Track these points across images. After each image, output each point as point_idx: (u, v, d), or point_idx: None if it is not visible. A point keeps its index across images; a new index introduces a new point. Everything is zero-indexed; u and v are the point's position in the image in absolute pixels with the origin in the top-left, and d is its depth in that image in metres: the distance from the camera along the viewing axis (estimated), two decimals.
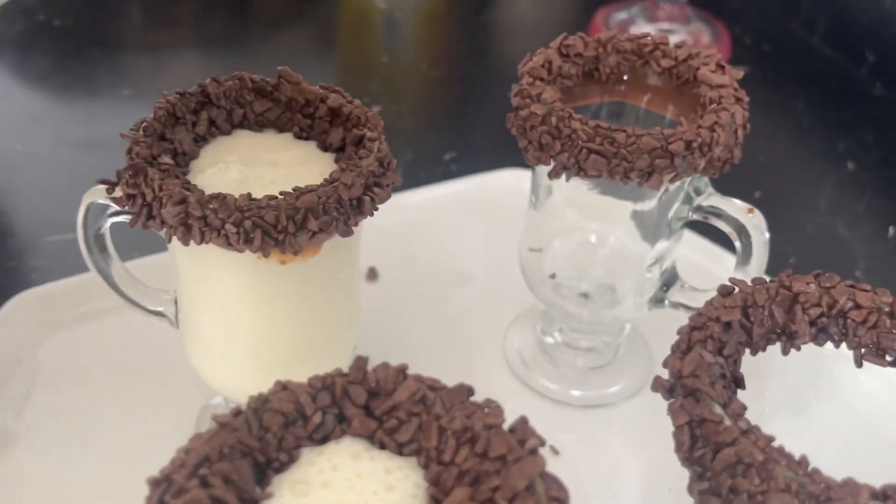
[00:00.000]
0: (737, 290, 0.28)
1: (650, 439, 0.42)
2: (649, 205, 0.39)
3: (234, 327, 0.34)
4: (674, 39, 0.37)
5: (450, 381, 0.46)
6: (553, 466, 0.42)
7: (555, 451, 0.43)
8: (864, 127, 0.72)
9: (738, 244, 0.38)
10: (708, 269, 0.49)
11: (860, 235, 0.61)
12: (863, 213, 0.63)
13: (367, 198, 0.32)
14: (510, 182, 0.57)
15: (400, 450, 0.23)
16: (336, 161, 0.35)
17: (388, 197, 0.33)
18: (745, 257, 0.38)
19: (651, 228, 0.40)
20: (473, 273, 0.53)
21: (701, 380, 0.24)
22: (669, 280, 0.42)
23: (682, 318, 0.43)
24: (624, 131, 0.35)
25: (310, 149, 0.36)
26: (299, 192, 0.30)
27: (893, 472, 0.30)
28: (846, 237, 0.61)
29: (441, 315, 0.50)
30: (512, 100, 0.39)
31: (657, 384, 0.26)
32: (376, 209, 0.33)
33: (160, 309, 0.38)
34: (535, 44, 0.42)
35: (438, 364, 0.47)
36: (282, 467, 0.22)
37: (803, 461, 0.23)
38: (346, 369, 0.24)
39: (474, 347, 0.48)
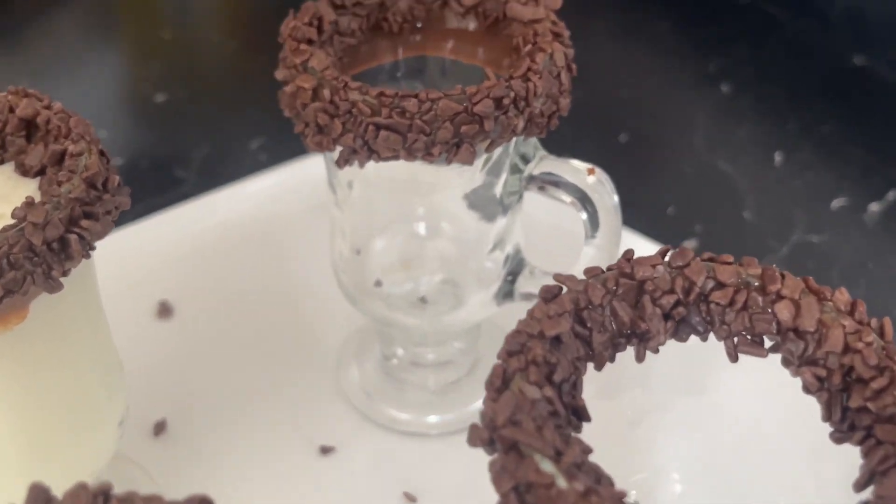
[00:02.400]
0: (564, 290, 0.24)
1: None
2: (473, 181, 0.35)
3: None
4: None
5: (270, 440, 0.41)
6: None
7: (411, 499, 0.38)
8: (735, 41, 0.69)
9: (583, 215, 0.34)
10: (568, 239, 0.45)
11: (744, 169, 0.58)
12: (744, 142, 0.61)
13: (72, 236, 0.26)
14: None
15: None
16: (40, 189, 0.29)
17: (106, 231, 0.27)
18: (592, 228, 0.34)
19: (484, 207, 0.36)
20: (293, 291, 0.47)
21: (522, 427, 0.20)
22: (516, 267, 0.38)
23: None
24: (415, 97, 0.30)
25: (5, 175, 0.29)
26: None
27: (789, 485, 0.27)
28: (729, 173, 0.58)
29: (256, 349, 0.44)
30: (276, 73, 0.33)
31: (474, 436, 0.22)
32: (92, 248, 0.27)
33: None
34: None
35: (258, 411, 0.41)
36: None
37: None
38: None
39: (302, 383, 0.43)
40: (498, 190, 0.35)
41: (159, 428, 0.40)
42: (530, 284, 0.38)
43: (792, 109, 0.63)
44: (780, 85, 0.65)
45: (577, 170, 0.34)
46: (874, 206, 0.55)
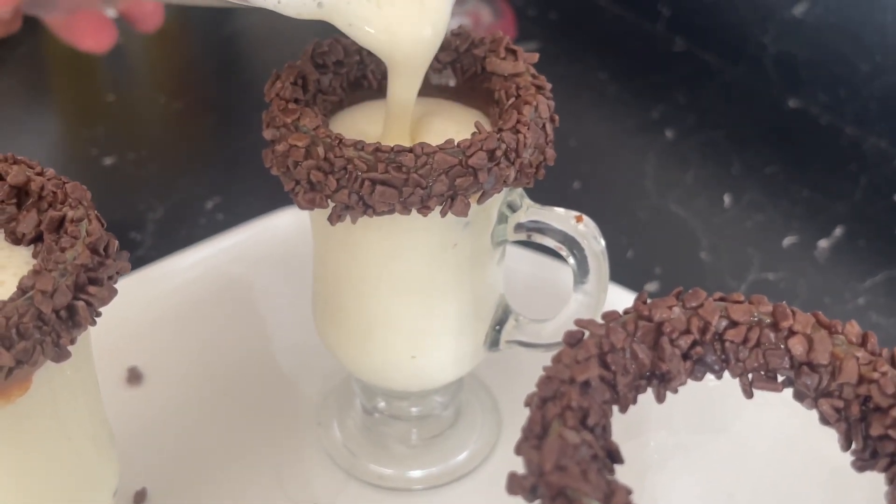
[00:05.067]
0: (587, 334, 0.24)
1: None
2: (459, 235, 0.35)
3: None
4: (451, 25, 0.33)
5: (260, 493, 0.40)
6: None
7: None
8: (674, 88, 0.72)
9: (571, 260, 0.35)
10: (543, 288, 0.45)
11: (696, 211, 0.60)
12: (693, 185, 0.63)
13: (80, 303, 0.26)
14: (293, 224, 0.51)
15: None
16: (35, 257, 0.28)
17: (111, 296, 0.27)
18: (581, 274, 0.35)
19: None
20: (266, 349, 0.47)
21: (569, 472, 0.20)
22: (501, 316, 0.38)
23: (522, 355, 0.40)
24: (411, 151, 0.31)
25: None
26: None
27: None
28: (681, 215, 0.60)
29: (232, 412, 0.43)
30: (264, 132, 0.34)
31: (513, 484, 0.22)
32: (98, 315, 0.27)
33: None
34: (294, 51, 0.37)
35: (240, 474, 0.41)
36: None
37: None
38: None
39: (283, 445, 0.42)
40: (485, 242, 0.36)
41: (139, 497, 0.39)
42: (517, 333, 0.38)
43: (735, 152, 0.65)
44: (721, 129, 0.68)
45: (564, 217, 0.35)
46: (823, 243, 0.58)
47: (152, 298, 0.48)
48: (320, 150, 0.31)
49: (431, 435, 0.42)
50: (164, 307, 0.48)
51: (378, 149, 0.31)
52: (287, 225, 0.52)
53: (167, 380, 0.45)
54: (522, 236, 0.36)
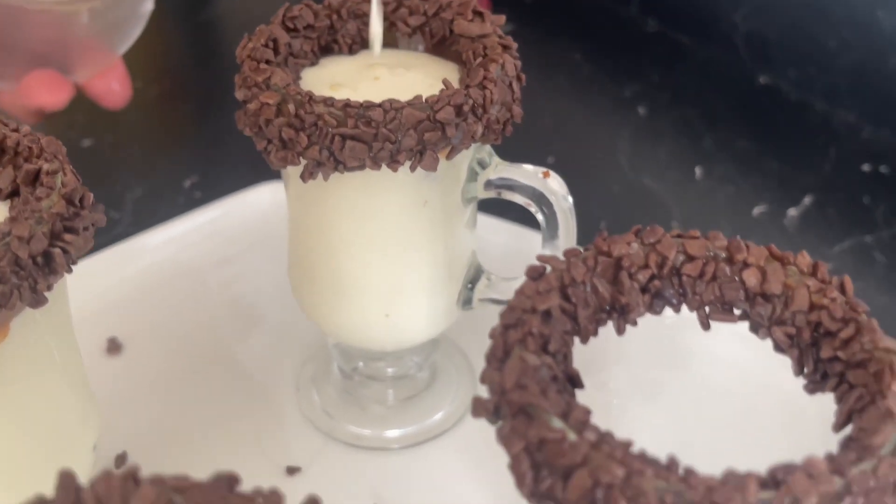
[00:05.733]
0: (549, 269, 0.25)
1: (493, 466, 0.39)
2: (430, 192, 0.36)
3: None
4: None
5: (235, 464, 0.41)
6: None
7: None
8: (647, 68, 0.73)
9: (540, 217, 0.36)
10: (514, 252, 0.46)
11: (668, 184, 0.61)
12: (665, 159, 0.64)
13: (56, 251, 0.26)
14: (268, 199, 0.52)
15: None
16: (12, 210, 0.29)
17: (86, 246, 0.28)
18: (551, 230, 0.36)
19: None
20: (243, 319, 0.48)
21: (529, 390, 0.21)
22: (473, 275, 0.39)
23: (497, 317, 0.41)
24: (380, 106, 0.32)
25: None
26: None
27: (770, 443, 0.29)
28: (654, 189, 0.61)
29: (211, 381, 0.44)
30: (236, 93, 0.34)
31: (478, 407, 0.23)
32: (74, 263, 0.27)
33: None
34: None
35: (220, 439, 0.42)
36: None
37: (672, 464, 0.20)
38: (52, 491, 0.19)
39: (262, 411, 0.43)
40: (457, 198, 0.36)
41: (120, 461, 0.40)
42: (489, 291, 0.39)
43: (706, 128, 0.66)
44: (693, 106, 0.69)
45: (532, 173, 0.36)
46: (792, 212, 0.59)
47: (132, 272, 0.49)
48: (291, 108, 0.32)
49: (408, 395, 0.43)
50: (144, 280, 0.49)
51: (348, 104, 0.32)
52: (263, 200, 0.52)
53: (147, 350, 0.46)
54: (492, 194, 0.37)
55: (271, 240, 0.50)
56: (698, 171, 0.62)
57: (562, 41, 0.77)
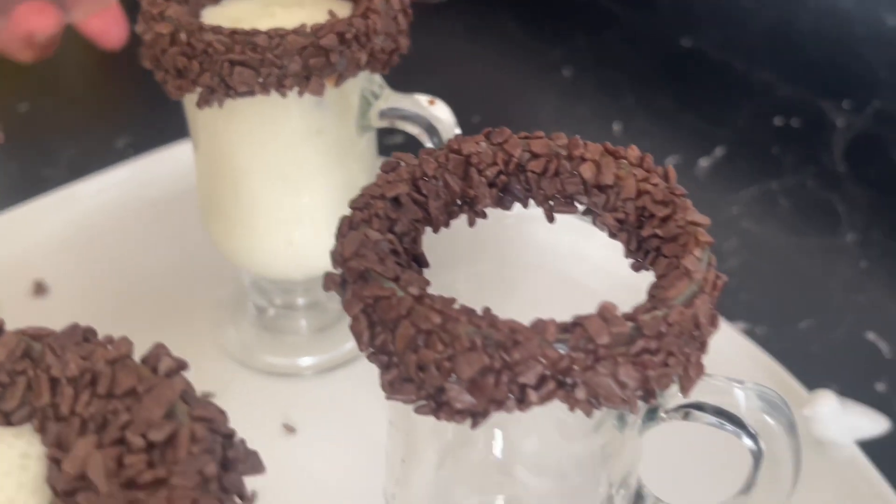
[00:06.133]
0: (402, 164, 0.27)
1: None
2: (322, 121, 0.38)
3: None
4: None
5: None
6: (290, 445, 0.41)
7: (290, 430, 0.41)
8: (575, 32, 0.76)
9: (429, 146, 0.38)
10: None
11: (586, 137, 0.63)
12: (585, 116, 0.66)
13: None
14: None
15: (9, 420, 0.21)
16: None
17: None
18: None
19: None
20: (165, 262, 0.50)
21: (367, 258, 0.24)
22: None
23: None
24: (265, 33, 0.34)
25: None
26: None
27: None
28: None
29: (134, 320, 0.46)
30: (136, 28, 0.37)
31: (328, 281, 0.25)
32: None
33: None
34: None
35: None
36: None
37: (486, 312, 0.22)
38: None
39: (182, 349, 0.45)
40: (351, 128, 0.39)
41: None
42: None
43: (629, 88, 0.69)
44: (616, 68, 0.71)
45: (420, 101, 0.38)
46: (704, 162, 0.62)
47: (60, 220, 0.51)
48: (183, 36, 0.34)
49: (320, 327, 0.45)
50: (71, 228, 0.51)
51: (235, 32, 0.34)
52: (188, 153, 0.55)
53: (71, 292, 0.48)
54: (386, 123, 0.39)
55: (195, 191, 0.52)
56: (616, 126, 0.65)
57: (496, 9, 0.80)
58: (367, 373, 0.44)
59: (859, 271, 0.53)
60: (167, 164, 0.55)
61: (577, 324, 0.22)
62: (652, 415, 0.27)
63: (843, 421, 0.40)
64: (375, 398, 0.39)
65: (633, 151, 0.28)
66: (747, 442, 0.27)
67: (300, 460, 0.40)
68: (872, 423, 0.40)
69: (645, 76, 0.71)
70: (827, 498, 0.39)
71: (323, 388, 0.44)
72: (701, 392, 0.26)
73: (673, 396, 0.26)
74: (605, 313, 0.22)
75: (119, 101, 0.69)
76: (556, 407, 0.23)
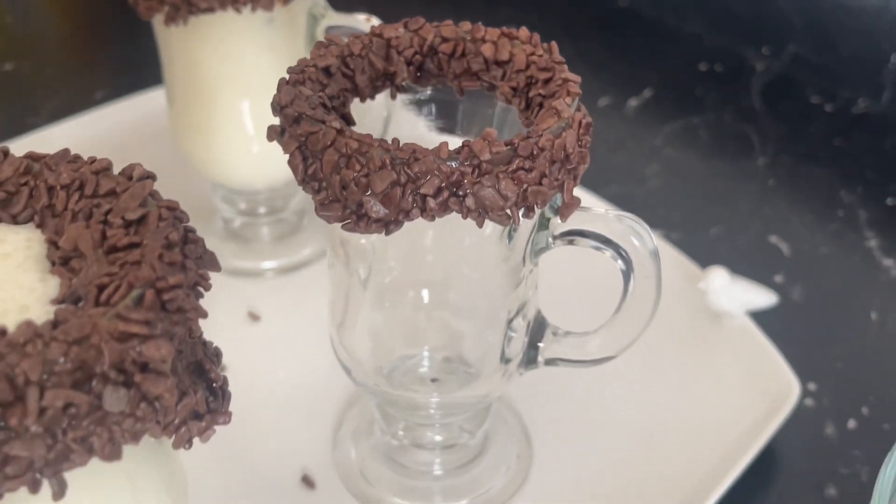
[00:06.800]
0: (333, 44, 0.33)
1: None
2: (274, 38, 0.44)
3: None
4: None
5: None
6: (255, 329, 0.46)
7: (254, 317, 0.47)
8: None
9: None
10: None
11: None
12: None
13: None
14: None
15: (16, 220, 0.26)
16: None
17: None
18: None
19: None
20: None
21: (300, 105, 0.30)
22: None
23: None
24: None
25: None
26: None
27: None
28: None
29: None
30: None
31: (270, 132, 0.31)
32: None
33: None
34: None
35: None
36: None
37: (394, 141, 0.28)
38: None
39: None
40: (301, 44, 0.45)
41: None
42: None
43: (567, 43, 0.75)
44: (556, 26, 0.78)
45: (360, 20, 0.44)
46: (633, 101, 0.68)
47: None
48: None
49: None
50: None
51: None
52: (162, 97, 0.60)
53: None
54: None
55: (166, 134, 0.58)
56: None
57: None
58: (320, 274, 0.50)
59: (767, 188, 0.60)
60: (142, 106, 0.61)
61: (465, 145, 0.28)
62: (543, 240, 0.33)
63: (734, 294, 0.46)
64: (326, 293, 0.45)
65: (524, 32, 0.34)
66: (620, 264, 0.33)
67: (264, 341, 0.46)
68: (761, 297, 0.46)
69: (583, 33, 0.77)
70: (724, 362, 0.45)
71: (283, 287, 0.50)
72: (583, 221, 0.32)
73: (558, 226, 0.32)
74: (487, 137, 0.28)
75: (96, 59, 0.75)
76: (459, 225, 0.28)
